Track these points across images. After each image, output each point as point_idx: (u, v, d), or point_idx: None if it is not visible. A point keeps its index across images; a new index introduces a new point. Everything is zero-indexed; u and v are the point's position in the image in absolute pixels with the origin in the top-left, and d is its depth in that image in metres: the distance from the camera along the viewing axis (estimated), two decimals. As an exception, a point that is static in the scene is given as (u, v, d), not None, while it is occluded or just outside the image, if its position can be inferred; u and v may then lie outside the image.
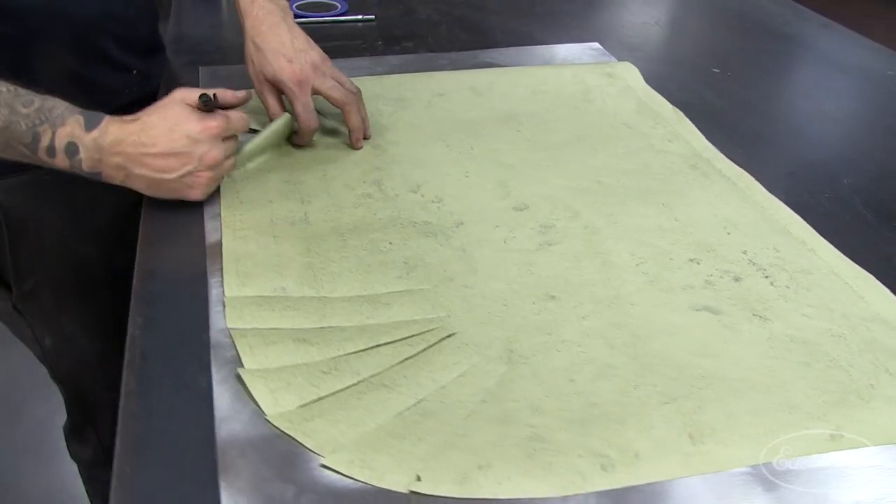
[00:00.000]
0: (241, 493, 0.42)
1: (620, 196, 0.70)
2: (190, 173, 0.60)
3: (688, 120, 0.83)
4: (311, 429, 0.45)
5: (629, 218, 0.66)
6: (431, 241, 0.62)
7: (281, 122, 0.71)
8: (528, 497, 0.42)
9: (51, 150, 0.57)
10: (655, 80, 0.91)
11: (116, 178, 0.60)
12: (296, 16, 0.85)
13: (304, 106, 0.70)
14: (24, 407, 1.46)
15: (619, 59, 0.97)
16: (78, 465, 0.98)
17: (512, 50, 0.99)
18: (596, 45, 1.01)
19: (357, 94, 0.73)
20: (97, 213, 0.76)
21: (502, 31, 1.06)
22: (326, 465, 0.43)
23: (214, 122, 0.61)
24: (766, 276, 0.60)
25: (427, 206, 0.67)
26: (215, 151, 0.61)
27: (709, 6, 1.24)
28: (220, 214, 0.64)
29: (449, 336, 0.53)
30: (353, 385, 0.48)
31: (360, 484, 0.43)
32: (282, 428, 0.45)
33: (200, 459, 0.44)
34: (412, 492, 0.42)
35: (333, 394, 0.48)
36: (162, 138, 0.59)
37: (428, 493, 0.42)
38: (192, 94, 0.61)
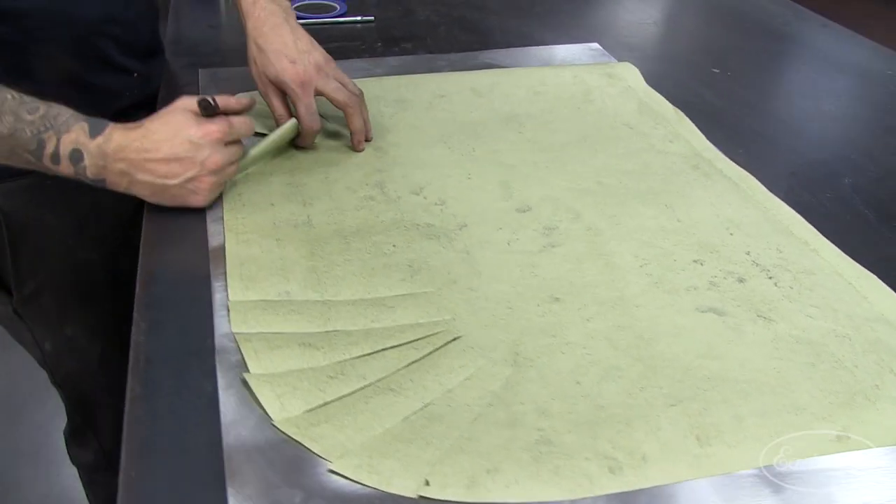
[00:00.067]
0: (248, 499, 0.42)
1: (622, 197, 0.70)
2: (192, 178, 0.60)
3: (688, 120, 0.83)
4: (317, 434, 0.45)
5: (631, 219, 0.66)
6: (435, 243, 0.62)
7: (287, 126, 0.71)
8: (537, 501, 0.42)
9: (55, 156, 0.57)
10: (655, 80, 0.91)
11: (120, 185, 0.60)
12: (295, 17, 0.85)
13: (307, 107, 0.70)
14: (24, 411, 1.46)
15: (619, 59, 0.97)
16: (78, 470, 0.97)
17: (511, 51, 0.99)
18: (595, 45, 1.01)
19: (360, 96, 0.73)
20: (98, 217, 0.75)
21: (501, 32, 1.06)
22: (334, 470, 0.43)
23: (216, 127, 0.61)
24: (770, 277, 0.60)
25: (430, 208, 0.67)
26: (217, 156, 0.61)
27: (707, 6, 1.24)
28: (222, 217, 0.64)
29: (454, 339, 0.53)
30: (360, 389, 0.48)
31: (368, 489, 0.43)
32: (288, 433, 0.45)
33: (206, 465, 0.44)
34: (420, 496, 0.42)
35: (340, 398, 0.48)
36: (164, 144, 0.59)
37: (436, 497, 0.42)
38: (195, 102, 0.61)
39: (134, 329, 0.54)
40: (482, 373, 0.50)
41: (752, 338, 0.54)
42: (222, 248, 0.61)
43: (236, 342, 0.52)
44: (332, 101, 0.72)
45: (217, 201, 0.66)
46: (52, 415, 1.41)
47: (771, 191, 0.71)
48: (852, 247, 0.64)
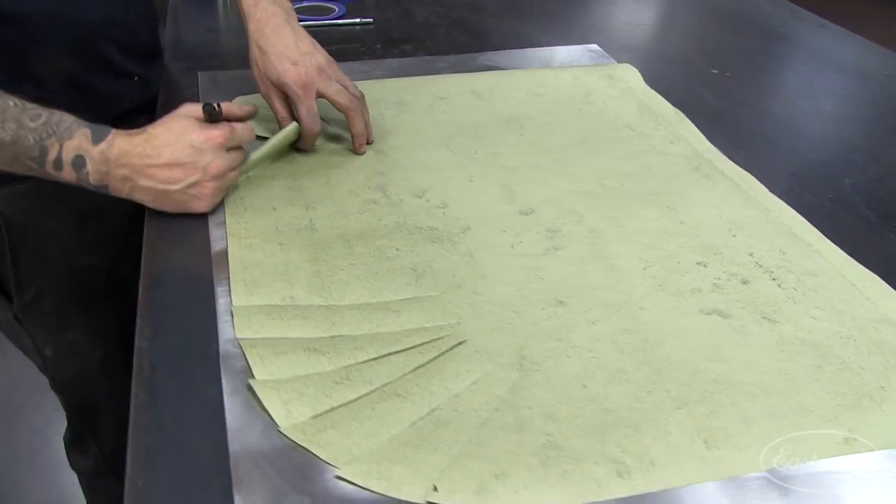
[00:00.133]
0: (256, 506, 0.41)
1: (624, 199, 0.70)
2: (195, 184, 0.60)
3: (689, 121, 0.83)
4: (324, 440, 0.45)
5: (634, 221, 0.66)
6: (438, 246, 0.62)
7: (288, 129, 0.71)
8: (546, 506, 0.42)
9: (58, 163, 0.57)
10: (654, 81, 0.91)
11: (123, 191, 0.60)
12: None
13: (308, 110, 0.69)
14: (21, 415, 1.45)
15: (618, 61, 0.97)
16: (78, 476, 0.97)
17: (511, 52, 0.99)
18: (595, 46, 1.01)
19: (361, 98, 0.73)
20: (99, 222, 0.75)
21: (500, 33, 1.06)
22: (342, 476, 0.43)
23: (218, 132, 0.60)
24: (774, 279, 0.60)
25: (433, 211, 0.67)
26: (219, 161, 0.60)
27: (704, 6, 1.25)
28: (224, 222, 0.64)
29: (460, 343, 0.53)
30: (366, 395, 0.48)
31: (377, 495, 0.42)
32: (295, 439, 0.45)
33: (213, 472, 0.44)
34: (429, 502, 0.42)
35: (346, 404, 0.47)
36: (166, 149, 0.58)
37: (445, 503, 0.42)
38: (198, 109, 0.61)
39: (137, 334, 0.53)
40: (489, 377, 0.50)
41: (758, 340, 0.54)
42: (225, 253, 0.60)
43: (241, 348, 0.51)
44: (333, 103, 0.72)
45: (219, 205, 0.65)
46: (50, 419, 1.40)
47: (772, 191, 0.71)
48: (854, 247, 0.64)
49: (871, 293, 0.59)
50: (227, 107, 0.63)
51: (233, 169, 0.63)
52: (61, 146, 0.57)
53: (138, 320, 0.54)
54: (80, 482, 0.98)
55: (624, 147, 0.78)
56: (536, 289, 0.58)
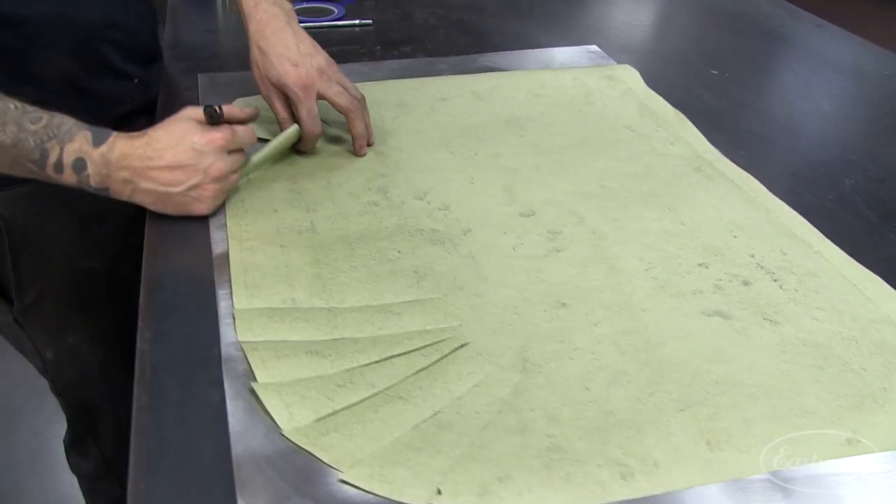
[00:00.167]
0: (259, 510, 0.41)
1: (625, 200, 0.70)
2: (196, 186, 0.60)
3: (689, 122, 0.83)
4: (327, 443, 0.45)
5: (635, 222, 0.66)
6: (440, 248, 0.62)
7: (289, 132, 0.71)
8: (549, 508, 0.42)
9: (58, 166, 0.57)
10: (653, 82, 0.91)
11: (124, 194, 0.60)
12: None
13: (309, 111, 0.69)
14: (20, 417, 1.45)
15: (616, 61, 0.97)
16: (78, 479, 0.97)
17: (511, 53, 0.99)
18: (594, 47, 1.01)
19: (361, 100, 0.73)
20: (99, 224, 0.75)
21: (500, 34, 1.06)
22: (345, 479, 0.43)
23: (219, 134, 0.60)
24: (775, 280, 0.60)
25: (434, 213, 0.67)
26: (220, 163, 0.60)
27: (701, 6, 1.25)
28: (225, 224, 0.64)
29: (462, 346, 0.53)
30: (369, 398, 0.48)
31: (380, 498, 0.42)
32: (298, 443, 0.45)
33: (216, 476, 0.44)
34: (432, 505, 0.42)
35: (349, 407, 0.47)
36: (167, 151, 0.58)
37: (448, 506, 0.42)
38: (199, 112, 0.61)
39: (139, 338, 0.53)
40: (491, 379, 0.50)
41: (759, 341, 0.54)
42: (226, 256, 0.60)
43: (243, 351, 0.51)
44: (334, 105, 0.71)
45: (220, 208, 0.65)
46: (50, 421, 1.40)
47: (772, 192, 0.71)
48: (855, 248, 0.64)
49: (873, 294, 0.59)
50: (228, 109, 0.63)
51: (234, 171, 0.63)
52: (62, 149, 0.57)
53: (140, 323, 0.54)
54: (80, 485, 0.98)
55: (624, 148, 0.78)
56: (538, 291, 0.58)
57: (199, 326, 0.54)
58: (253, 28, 0.71)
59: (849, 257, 0.63)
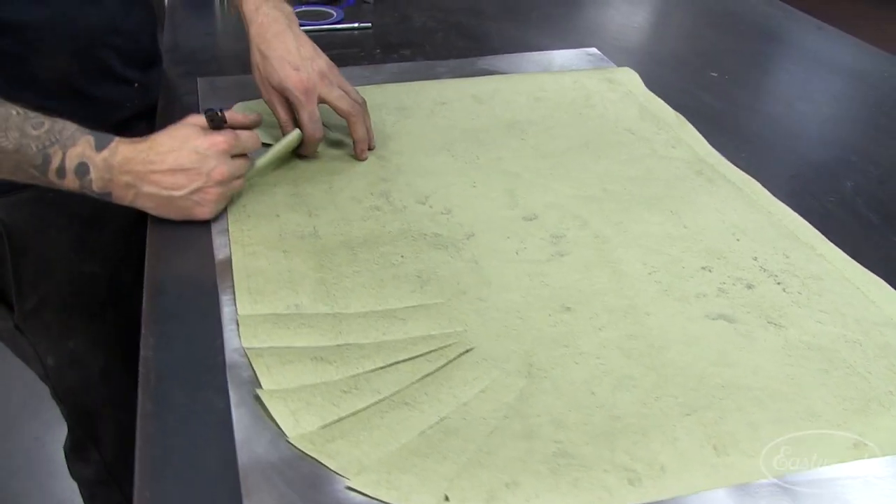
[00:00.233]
0: (267, 518, 0.41)
1: (627, 203, 0.70)
2: (198, 190, 0.60)
3: (690, 125, 0.83)
4: (334, 450, 0.45)
5: (637, 225, 0.66)
6: (443, 253, 0.62)
7: (291, 137, 0.70)
8: (557, 514, 0.42)
9: (61, 171, 0.57)
10: (652, 83, 0.91)
11: (126, 198, 0.59)
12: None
13: (310, 115, 0.69)
14: (18, 422, 1.44)
15: (616, 63, 0.97)
16: (79, 485, 0.96)
17: (510, 56, 0.99)
18: (594, 50, 1.01)
19: (363, 104, 0.73)
20: (100, 229, 0.75)
21: (499, 37, 1.06)
22: (352, 486, 0.43)
23: (222, 138, 0.60)
24: (779, 283, 0.60)
25: (436, 217, 0.66)
26: (223, 167, 0.60)
27: (700, 8, 1.25)
28: (227, 229, 0.64)
29: (467, 351, 0.52)
30: (374, 404, 0.48)
31: (387, 505, 0.42)
32: (304, 450, 0.45)
33: (222, 484, 0.44)
34: (440, 512, 0.42)
35: (355, 413, 0.47)
36: (170, 155, 0.58)
37: (456, 512, 0.42)
38: (202, 119, 0.61)
39: (142, 344, 0.53)
40: (496, 385, 0.50)
41: (764, 344, 0.54)
42: (229, 261, 0.60)
43: (247, 357, 0.51)
44: (335, 109, 0.71)
45: (222, 213, 0.65)
46: (48, 426, 1.40)
47: (773, 194, 0.71)
48: (857, 249, 0.64)
49: (876, 296, 0.59)
50: (231, 115, 0.63)
51: (237, 177, 0.63)
52: (64, 154, 0.56)
53: (143, 329, 0.54)
54: (80, 491, 0.97)
55: (626, 151, 0.78)
56: (542, 295, 0.58)
57: (203, 332, 0.54)
58: (254, 32, 0.71)
59: (851, 259, 0.63)
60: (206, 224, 0.64)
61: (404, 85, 0.89)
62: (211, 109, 0.61)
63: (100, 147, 0.57)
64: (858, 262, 0.62)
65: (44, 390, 0.86)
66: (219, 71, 0.92)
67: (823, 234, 0.66)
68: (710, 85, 0.95)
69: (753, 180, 0.73)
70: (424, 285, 0.58)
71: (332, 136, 0.77)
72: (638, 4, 1.23)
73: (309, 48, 0.70)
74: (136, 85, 0.75)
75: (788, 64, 1.06)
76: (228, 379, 0.50)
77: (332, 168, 0.73)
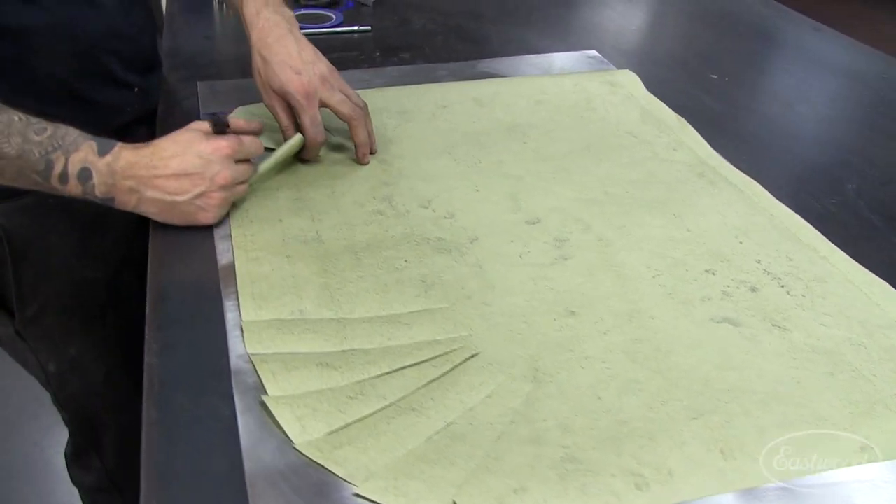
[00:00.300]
0: (274, 525, 0.41)
1: (629, 206, 0.70)
2: (201, 194, 0.60)
3: (691, 127, 0.83)
4: (341, 457, 0.45)
5: (640, 229, 0.66)
6: (446, 257, 0.62)
7: (293, 141, 0.70)
8: (566, 520, 0.42)
9: (63, 176, 0.56)
10: (651, 85, 0.91)
11: (129, 204, 0.59)
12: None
13: (312, 119, 0.69)
14: (17, 427, 1.43)
15: (616, 65, 0.97)
16: (80, 491, 0.96)
17: (511, 59, 0.99)
18: (594, 52, 1.01)
19: (364, 108, 0.73)
20: (101, 235, 0.74)
21: (499, 40, 1.06)
22: (360, 493, 0.43)
23: (225, 143, 0.60)
24: (782, 286, 0.60)
25: (439, 221, 0.66)
26: (227, 172, 0.60)
27: (698, 9, 1.25)
28: (230, 234, 0.63)
29: (473, 356, 0.52)
30: (381, 410, 0.48)
31: (395, 512, 0.42)
32: (311, 456, 0.45)
33: (229, 491, 0.43)
34: (448, 519, 0.42)
35: (361, 419, 0.47)
36: (173, 160, 0.58)
37: (464, 519, 0.42)
38: (205, 125, 0.61)
39: (146, 350, 0.53)
40: (502, 390, 0.50)
41: (769, 348, 0.54)
42: (232, 266, 0.60)
43: (252, 363, 0.51)
44: (336, 113, 0.71)
45: (224, 218, 0.65)
46: (47, 432, 1.39)
47: (775, 196, 0.71)
48: (859, 251, 0.64)
49: (880, 299, 0.59)
50: (234, 121, 0.63)
51: (240, 182, 0.63)
52: (67, 159, 0.56)
53: (147, 336, 0.54)
54: (81, 497, 0.97)
55: (627, 154, 0.78)
56: (546, 299, 0.58)
57: (207, 339, 0.54)
58: (255, 36, 0.71)
59: (854, 262, 0.63)
60: (208, 229, 0.64)
61: (405, 88, 0.89)
62: (214, 114, 0.61)
63: (102, 152, 0.57)
64: (861, 264, 0.63)
65: (43, 395, 0.85)
66: (218, 75, 0.92)
67: (825, 236, 0.66)
68: (710, 86, 0.95)
69: (755, 182, 0.73)
70: (429, 290, 0.58)
71: (334, 139, 0.77)
72: (636, 6, 1.23)
73: (310, 52, 0.70)
74: (136, 89, 0.75)
75: (786, 65, 1.06)
76: (233, 385, 0.50)
77: (335, 172, 0.73)
